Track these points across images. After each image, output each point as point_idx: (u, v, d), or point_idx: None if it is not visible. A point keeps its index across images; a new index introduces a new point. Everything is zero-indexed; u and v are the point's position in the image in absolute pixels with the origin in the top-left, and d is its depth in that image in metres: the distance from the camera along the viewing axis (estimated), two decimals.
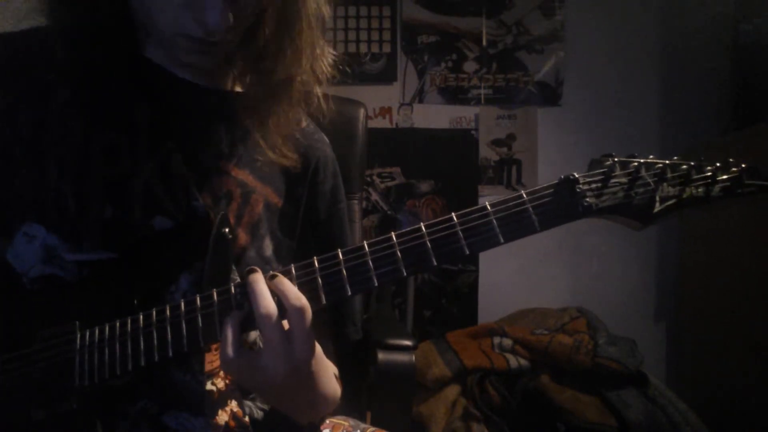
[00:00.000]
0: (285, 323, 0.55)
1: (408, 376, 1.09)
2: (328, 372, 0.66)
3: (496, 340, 1.87)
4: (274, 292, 0.55)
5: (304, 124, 0.81)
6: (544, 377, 1.78)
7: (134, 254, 0.64)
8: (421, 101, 2.27)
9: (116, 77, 0.68)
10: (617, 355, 1.75)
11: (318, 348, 0.59)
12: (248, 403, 0.73)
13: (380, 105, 2.26)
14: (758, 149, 1.69)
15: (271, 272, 0.56)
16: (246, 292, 0.55)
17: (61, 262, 0.63)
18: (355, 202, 1.23)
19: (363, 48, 2.25)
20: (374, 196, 2.28)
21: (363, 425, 0.84)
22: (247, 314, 0.55)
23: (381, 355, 1.07)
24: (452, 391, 1.79)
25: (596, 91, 2.26)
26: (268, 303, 0.54)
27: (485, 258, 2.25)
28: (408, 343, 1.10)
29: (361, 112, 1.25)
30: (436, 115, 2.27)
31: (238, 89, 0.77)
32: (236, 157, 0.73)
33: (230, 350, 0.54)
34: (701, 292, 2.05)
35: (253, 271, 0.56)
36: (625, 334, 1.88)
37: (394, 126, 2.27)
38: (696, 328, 2.09)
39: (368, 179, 2.26)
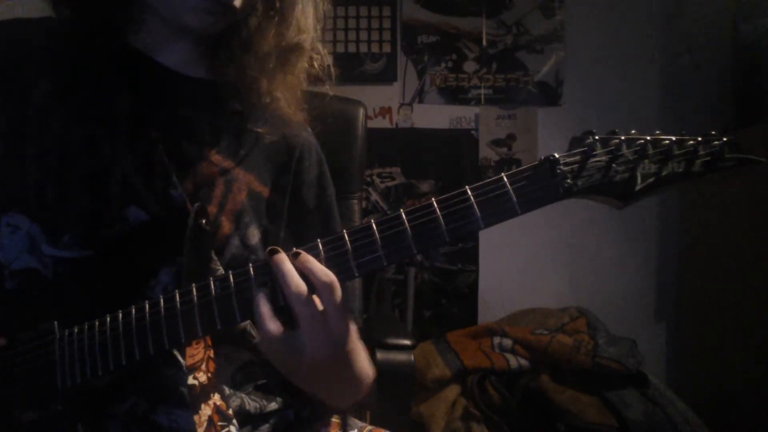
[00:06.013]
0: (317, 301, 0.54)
1: (407, 375, 1.09)
2: (363, 352, 0.66)
3: (496, 340, 1.87)
4: (300, 270, 0.54)
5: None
6: (544, 377, 1.78)
7: (111, 249, 0.64)
8: (421, 101, 2.27)
9: (98, 67, 0.67)
10: (617, 355, 1.75)
11: (353, 326, 0.58)
12: (241, 395, 0.72)
13: (380, 105, 2.26)
14: (758, 149, 1.68)
15: (295, 250, 0.55)
16: (269, 272, 0.54)
17: (40, 255, 0.63)
18: (355, 202, 1.23)
19: (363, 48, 2.25)
20: (374, 196, 2.28)
21: (362, 424, 0.84)
22: (272, 292, 0.55)
23: (380, 355, 1.07)
24: (452, 391, 1.79)
25: (596, 91, 2.25)
26: (297, 280, 0.53)
27: (485, 258, 2.25)
28: (407, 342, 1.11)
29: (361, 112, 1.25)
30: (436, 115, 2.27)
31: (224, 78, 0.76)
32: (219, 145, 0.72)
33: (272, 325, 0.53)
34: (701, 291, 2.05)
35: (275, 251, 0.55)
36: (625, 334, 1.88)
37: (394, 126, 2.27)
38: (696, 328, 2.09)
39: (368, 179, 2.25)
